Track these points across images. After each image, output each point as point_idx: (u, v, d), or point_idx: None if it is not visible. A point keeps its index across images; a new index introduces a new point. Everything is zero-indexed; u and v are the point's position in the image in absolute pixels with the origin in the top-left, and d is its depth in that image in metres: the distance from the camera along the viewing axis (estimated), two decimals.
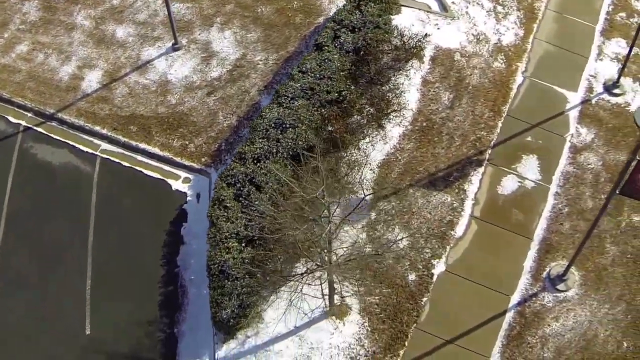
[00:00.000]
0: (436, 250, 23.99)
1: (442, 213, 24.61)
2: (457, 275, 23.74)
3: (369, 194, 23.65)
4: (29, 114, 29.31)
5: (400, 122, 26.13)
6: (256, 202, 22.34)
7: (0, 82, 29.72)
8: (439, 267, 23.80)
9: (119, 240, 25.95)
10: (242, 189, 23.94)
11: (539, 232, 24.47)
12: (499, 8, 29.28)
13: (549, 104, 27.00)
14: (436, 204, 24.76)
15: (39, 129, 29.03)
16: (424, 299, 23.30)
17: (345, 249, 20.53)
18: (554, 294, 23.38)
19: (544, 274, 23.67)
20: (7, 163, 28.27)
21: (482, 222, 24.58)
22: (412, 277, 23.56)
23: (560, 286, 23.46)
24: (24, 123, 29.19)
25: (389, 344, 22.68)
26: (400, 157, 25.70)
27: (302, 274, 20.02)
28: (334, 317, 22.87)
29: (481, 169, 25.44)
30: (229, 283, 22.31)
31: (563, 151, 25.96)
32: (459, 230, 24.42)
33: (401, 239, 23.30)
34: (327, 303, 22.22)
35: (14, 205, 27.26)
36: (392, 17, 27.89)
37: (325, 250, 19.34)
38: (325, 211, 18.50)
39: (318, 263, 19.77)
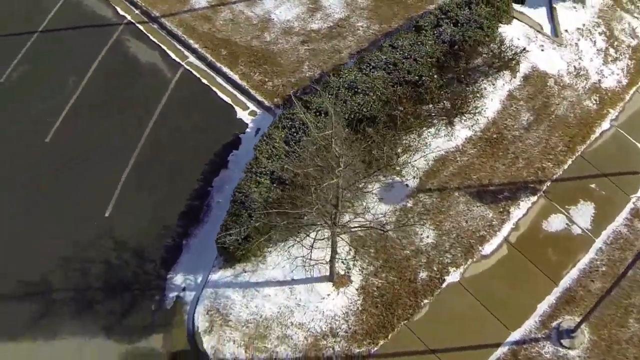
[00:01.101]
0: (457, 259, 23.19)
1: (478, 226, 23.77)
2: (468, 290, 22.86)
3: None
4: (136, 11, 30.63)
5: (471, 126, 25.39)
6: (300, 149, 22.41)
7: None
8: (453, 276, 22.98)
9: (169, 144, 26.63)
10: (295, 134, 24.02)
11: (566, 280, 23.18)
12: (611, 51, 28.03)
13: (627, 159, 25.60)
14: (476, 215, 23.95)
15: (140, 27, 30.26)
16: (425, 301, 22.57)
17: (354, 216, 20.36)
18: (556, 348, 22.09)
19: (554, 324, 22.39)
20: (99, 47, 29.68)
21: (513, 249, 23.55)
22: (423, 275, 22.89)
23: (566, 342, 22.10)
24: (129, 17, 30.56)
25: (373, 329, 22.11)
26: (458, 159, 25.01)
27: (306, 225, 19.95)
28: (331, 284, 22.63)
29: (533, 198, 24.37)
30: (245, 214, 22.41)
31: (623, 210, 24.54)
32: (488, 248, 23.48)
33: (413, 225, 22.76)
34: (329, 267, 22.04)
35: (90, 85, 28.51)
36: (500, 24, 27.22)
37: (334, 210, 19.07)
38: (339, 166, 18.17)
39: (326, 221, 19.54)
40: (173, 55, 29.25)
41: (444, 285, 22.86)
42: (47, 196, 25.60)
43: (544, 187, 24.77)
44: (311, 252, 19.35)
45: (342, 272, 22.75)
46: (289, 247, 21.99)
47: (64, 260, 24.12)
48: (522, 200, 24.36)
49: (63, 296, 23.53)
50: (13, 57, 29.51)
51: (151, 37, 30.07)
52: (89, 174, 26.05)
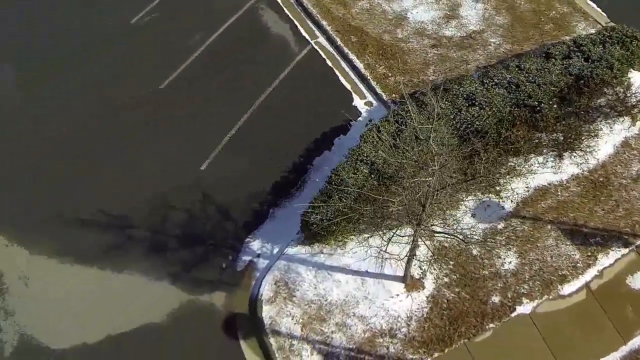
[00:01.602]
0: (533, 292, 22.62)
1: (562, 265, 23.15)
2: (536, 325, 22.35)
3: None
4: None
5: (580, 164, 24.74)
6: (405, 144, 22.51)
7: None
8: (525, 308, 22.42)
9: (279, 116, 27.25)
10: (403, 131, 24.08)
11: (636, 341, 22.21)
12: None
13: None
14: (563, 253, 23.32)
15: None
16: (491, 325, 22.12)
17: (443, 223, 20.32)
18: None
19: None
20: (231, 13, 31.03)
21: (592, 296, 22.79)
22: (495, 299, 22.51)
23: None
24: None
25: (432, 340, 21.84)
26: (559, 193, 24.43)
27: (391, 219, 19.97)
28: (402, 285, 22.67)
29: (624, 250, 23.42)
30: (336, 196, 22.66)
31: None
32: (567, 289, 22.76)
33: (498, 246, 22.58)
34: (404, 267, 22.07)
35: (214, 45, 29.87)
36: (631, 69, 26.41)
37: (421, 209, 19.06)
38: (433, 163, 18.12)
39: (411, 219, 19.55)
40: (303, 32, 30.03)
41: (513, 314, 22.33)
42: (148, 138, 26.86)
43: (638, 242, 23.93)
44: (387, 244, 19.30)
45: (416, 276, 22.79)
46: (368, 237, 22.03)
47: (150, 200, 25.14)
48: (613, 250, 23.51)
49: (140, 235, 24.47)
50: (148, 3, 31.31)
51: (285, 10, 31.06)
52: (194, 127, 27.12)
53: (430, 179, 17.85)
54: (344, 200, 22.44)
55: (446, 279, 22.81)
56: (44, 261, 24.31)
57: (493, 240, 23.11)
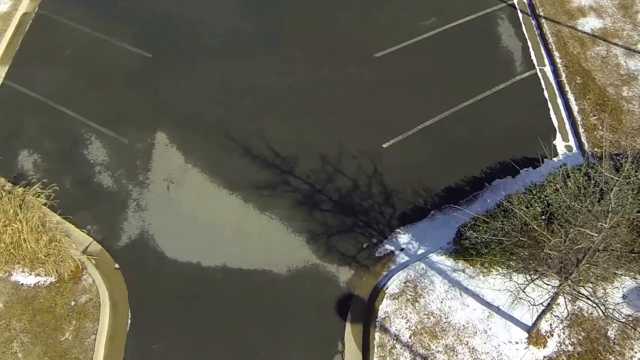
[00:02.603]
0: None
1: None
2: None
3: None
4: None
5: None
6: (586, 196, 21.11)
7: None
8: None
9: (473, 128, 26.47)
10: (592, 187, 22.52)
11: None
12: None
13: None
14: None
15: (519, 14, 30.85)
16: None
17: (592, 290, 18.80)
18: None
19: None
20: (471, 11, 31.07)
21: None
22: None
23: None
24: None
25: None
26: None
27: (539, 259, 18.77)
28: (526, 335, 21.33)
29: None
30: (499, 222, 21.59)
31: None
32: None
33: (633, 328, 20.51)
34: (534, 317, 20.76)
35: (446, 35, 29.75)
36: None
37: (574, 265, 17.73)
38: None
39: (561, 271, 18.28)
40: (533, 56, 28.90)
41: None
42: (351, 100, 27.23)
43: None
44: (529, 284, 18.30)
45: (543, 331, 21.34)
46: (513, 272, 21.05)
47: (321, 156, 25.48)
48: None
49: (297, 184, 24.92)
50: None
51: (523, 28, 30.19)
52: (391, 104, 27.14)
53: (596, 235, 16.57)
54: (505, 228, 21.40)
55: (570, 348, 21.16)
56: (194, 173, 25.31)
57: (635, 328, 21.21)
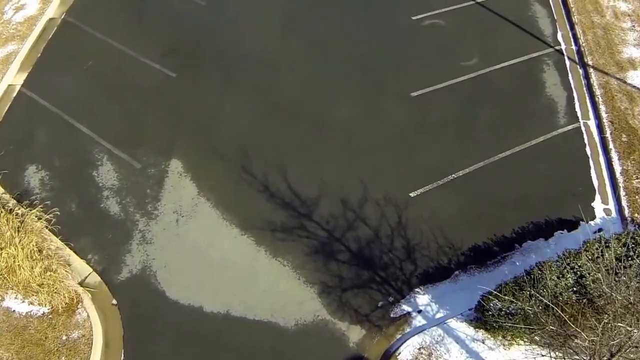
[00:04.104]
0: None
1: None
2: None
3: None
4: (573, 46, 29.49)
5: None
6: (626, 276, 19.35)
7: None
8: None
9: (512, 179, 24.56)
10: (630, 259, 20.69)
11: None
12: None
13: None
14: None
15: (567, 61, 28.93)
16: None
17: None
18: None
19: None
20: (516, 54, 29.10)
21: None
22: None
23: None
24: (562, 46, 29.55)
25: None
26: None
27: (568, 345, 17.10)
28: None
29: None
30: (527, 293, 19.79)
31: None
32: None
33: None
34: None
35: (487, 76, 28.01)
36: None
37: (609, 356, 16.04)
38: None
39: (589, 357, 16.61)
40: (577, 107, 26.98)
41: None
42: (372, 148, 25.61)
43: None
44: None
45: None
46: (537, 348, 19.47)
47: (342, 201, 23.89)
48: None
49: (314, 230, 23.23)
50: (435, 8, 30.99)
51: (569, 77, 28.29)
52: (422, 150, 25.41)
53: (634, 330, 14.91)
54: (532, 300, 19.65)
55: None
56: (206, 207, 23.89)
57: None
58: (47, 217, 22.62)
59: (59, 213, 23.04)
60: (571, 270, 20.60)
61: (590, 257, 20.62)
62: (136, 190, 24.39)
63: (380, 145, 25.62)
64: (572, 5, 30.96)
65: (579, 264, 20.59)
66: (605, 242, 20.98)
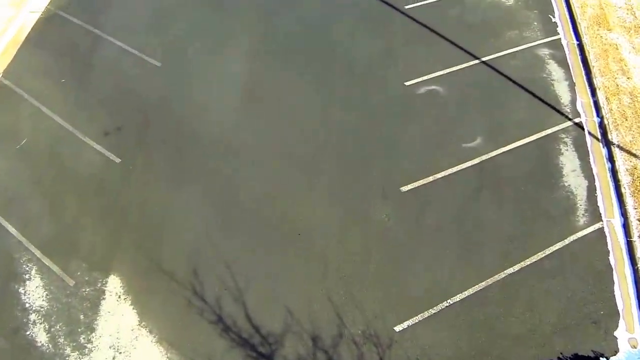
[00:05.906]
0: None
1: None
2: None
3: None
4: (595, 118, 24.92)
5: None
6: None
7: None
8: None
9: (520, 304, 20.14)
10: None
11: None
12: None
13: None
14: None
15: (587, 137, 24.32)
16: None
17: None
18: None
19: None
20: (528, 131, 24.49)
21: None
22: None
23: None
24: (583, 118, 24.90)
25: None
26: None
27: None
28: None
29: None
30: None
31: None
32: None
33: None
34: None
35: (490, 162, 23.41)
36: None
37: None
38: None
39: None
40: (600, 202, 22.33)
41: None
42: (350, 265, 21.10)
43: None
44: None
45: None
46: None
47: (311, 347, 19.39)
48: None
49: None
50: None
51: (591, 160, 23.55)
52: (406, 272, 20.89)
53: None
54: None
55: None
56: (147, 343, 19.60)
57: None
58: None
59: None
60: None
61: None
62: (68, 316, 20.05)
63: (359, 263, 21.08)
64: (593, 65, 26.10)
65: None
66: None
